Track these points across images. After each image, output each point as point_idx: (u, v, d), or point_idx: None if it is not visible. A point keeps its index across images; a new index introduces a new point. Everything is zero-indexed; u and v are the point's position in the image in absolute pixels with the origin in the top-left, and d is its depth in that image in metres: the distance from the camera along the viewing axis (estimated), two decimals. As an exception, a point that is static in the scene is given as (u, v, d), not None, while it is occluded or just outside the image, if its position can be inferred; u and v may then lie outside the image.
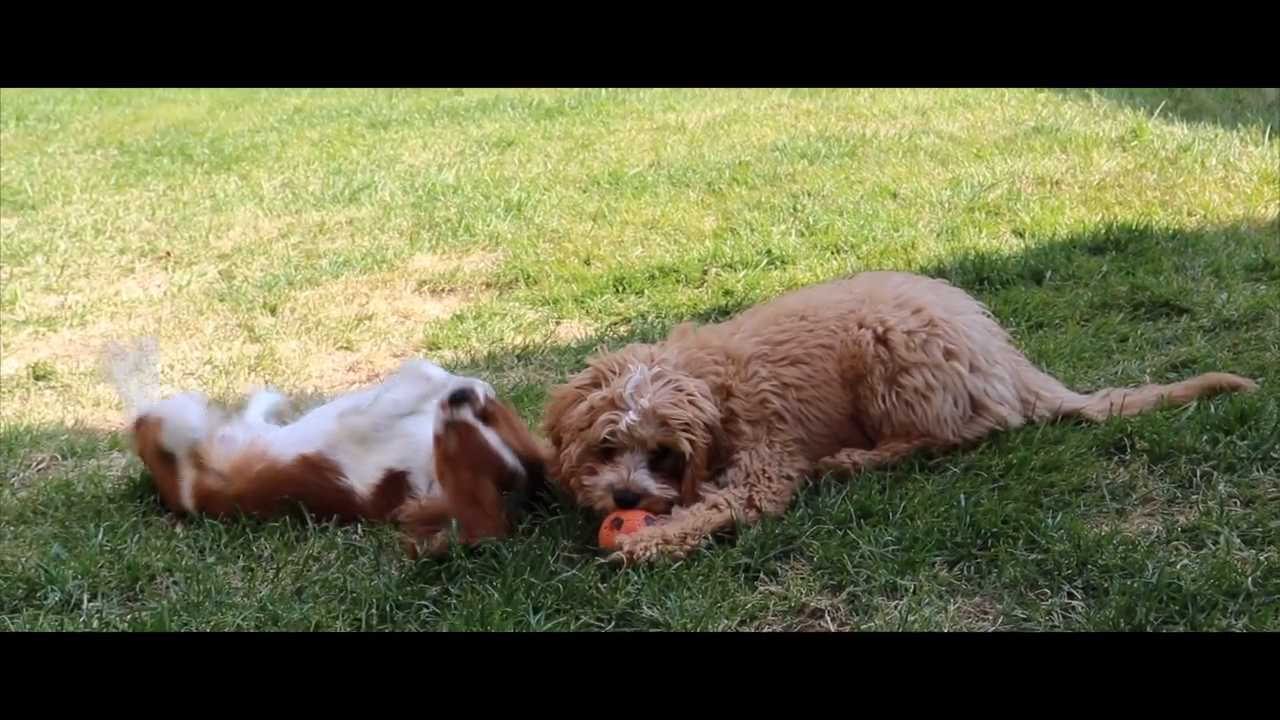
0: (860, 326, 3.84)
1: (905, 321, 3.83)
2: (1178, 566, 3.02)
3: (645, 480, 3.52)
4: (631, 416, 3.51)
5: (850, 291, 4.03)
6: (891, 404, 3.77)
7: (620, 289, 6.18)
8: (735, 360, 3.77)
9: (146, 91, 15.17)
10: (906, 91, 10.26)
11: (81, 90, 15.70)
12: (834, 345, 3.84)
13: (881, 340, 3.80)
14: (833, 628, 3.00)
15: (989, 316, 4.11)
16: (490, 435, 3.65)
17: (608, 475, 3.53)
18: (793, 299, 4.16)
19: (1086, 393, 4.14)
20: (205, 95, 14.46)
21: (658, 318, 5.74)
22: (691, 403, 3.57)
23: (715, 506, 3.48)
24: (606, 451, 3.56)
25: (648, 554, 3.30)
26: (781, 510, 3.54)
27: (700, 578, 3.23)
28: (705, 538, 3.41)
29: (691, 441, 3.54)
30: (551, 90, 12.20)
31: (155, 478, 4.09)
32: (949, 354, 3.81)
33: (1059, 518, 3.29)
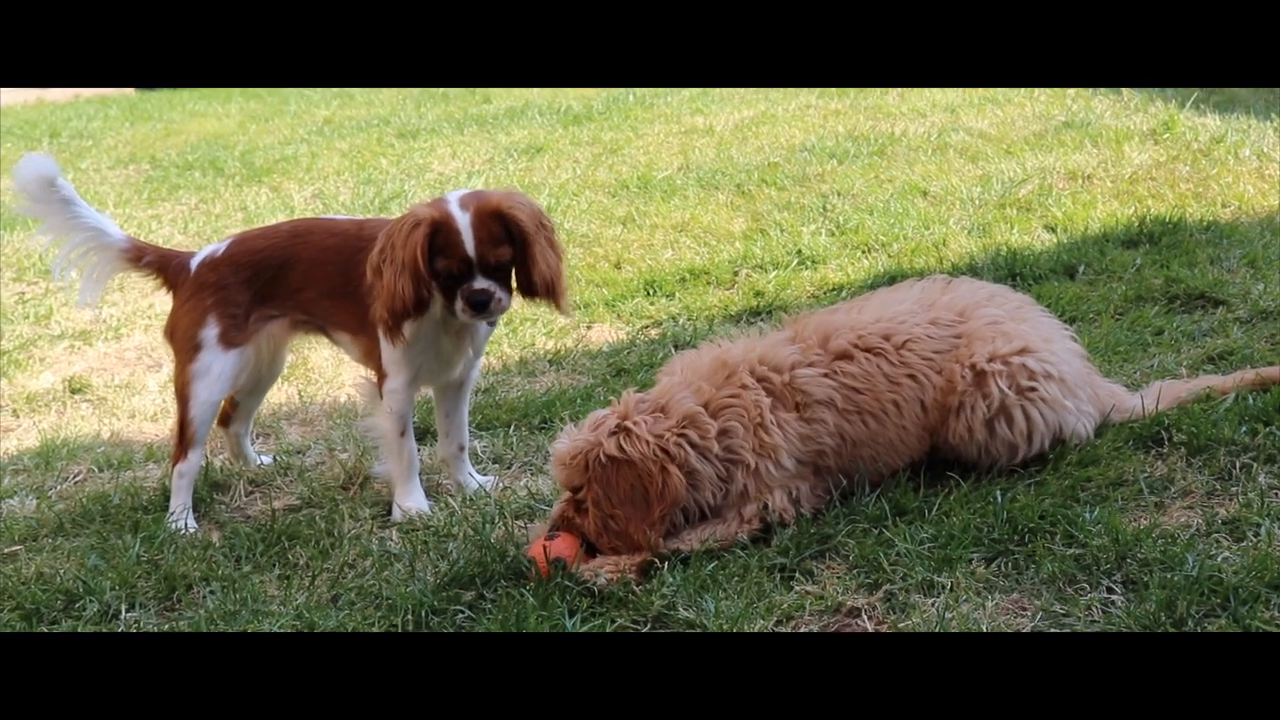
0: (957, 363, 3.60)
1: (1007, 357, 3.58)
2: (1218, 559, 2.98)
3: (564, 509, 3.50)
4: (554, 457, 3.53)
5: (937, 321, 3.69)
6: (990, 448, 3.58)
7: (651, 292, 6.18)
8: (798, 393, 3.54)
9: (178, 106, 15.31)
10: (935, 89, 10.22)
11: (113, 106, 15.85)
12: (923, 397, 3.59)
13: (981, 380, 3.56)
14: (870, 626, 2.98)
15: (1075, 340, 3.88)
16: None
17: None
18: (869, 318, 3.71)
19: (1129, 386, 4.10)
20: (235, 109, 14.57)
21: (689, 320, 5.73)
22: (621, 439, 3.42)
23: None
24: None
25: (609, 580, 3.27)
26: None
27: (736, 578, 3.21)
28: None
29: (573, 473, 3.45)
30: (579, 95, 12.23)
31: None
32: (1059, 391, 3.61)
33: (1096, 512, 3.25)
